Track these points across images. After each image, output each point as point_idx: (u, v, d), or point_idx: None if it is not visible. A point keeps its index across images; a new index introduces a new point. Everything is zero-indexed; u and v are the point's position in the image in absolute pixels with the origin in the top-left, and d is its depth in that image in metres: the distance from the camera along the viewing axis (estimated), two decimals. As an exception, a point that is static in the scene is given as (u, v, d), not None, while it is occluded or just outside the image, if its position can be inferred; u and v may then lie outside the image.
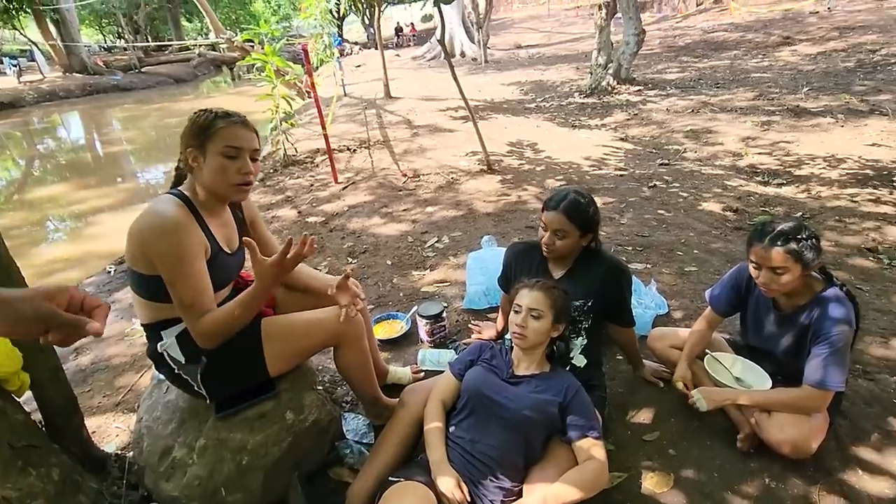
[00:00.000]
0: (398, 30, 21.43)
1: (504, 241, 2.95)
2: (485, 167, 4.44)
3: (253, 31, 6.02)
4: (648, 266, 2.76)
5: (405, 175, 4.43)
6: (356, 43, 23.26)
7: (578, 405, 1.44)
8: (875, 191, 3.80)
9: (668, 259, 2.83)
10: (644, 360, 1.98)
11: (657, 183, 4.14)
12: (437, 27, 15.00)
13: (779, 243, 1.48)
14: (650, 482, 1.56)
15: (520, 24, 20.53)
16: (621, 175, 4.37)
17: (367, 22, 23.70)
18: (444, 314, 2.19)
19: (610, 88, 7.77)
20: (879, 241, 3.02)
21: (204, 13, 9.97)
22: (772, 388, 1.68)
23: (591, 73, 8.12)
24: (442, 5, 4.05)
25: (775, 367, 1.73)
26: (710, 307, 1.83)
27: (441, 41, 4.02)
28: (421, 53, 15.69)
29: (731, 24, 14.14)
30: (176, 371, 1.35)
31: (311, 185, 4.59)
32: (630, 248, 2.97)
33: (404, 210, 3.72)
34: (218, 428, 1.35)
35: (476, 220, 3.41)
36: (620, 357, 2.06)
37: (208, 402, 1.38)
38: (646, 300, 2.38)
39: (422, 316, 2.15)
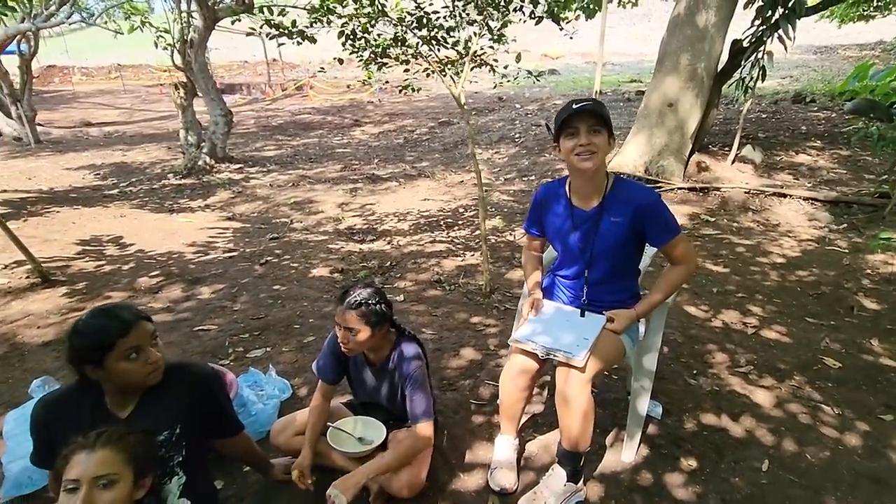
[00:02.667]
0: None
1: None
2: (38, 280, 3.33)
3: None
4: (268, 349, 2.63)
5: None
6: None
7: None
8: (432, 234, 4.98)
9: (287, 335, 2.79)
10: (273, 460, 1.81)
11: (269, 258, 4.13)
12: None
13: (353, 308, 1.61)
14: None
15: (86, 98, 17.51)
16: (231, 256, 4.16)
17: None
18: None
19: (208, 167, 7.49)
20: (441, 274, 3.91)
21: None
22: (387, 432, 1.81)
23: (185, 153, 7.64)
24: None
25: (385, 414, 1.88)
26: (319, 380, 1.83)
27: None
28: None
29: (313, 108, 16.37)
30: None
31: None
32: (247, 336, 2.77)
33: None
34: None
35: (24, 359, 2.44)
36: (247, 469, 1.81)
37: None
38: (267, 389, 2.23)
39: None
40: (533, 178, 6.99)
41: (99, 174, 7.53)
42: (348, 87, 15.94)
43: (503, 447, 1.84)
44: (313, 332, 2.81)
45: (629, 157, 5.68)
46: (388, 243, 4.70)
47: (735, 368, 2.54)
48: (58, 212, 5.27)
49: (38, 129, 10.39)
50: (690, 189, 5.40)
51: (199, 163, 7.43)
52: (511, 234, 4.85)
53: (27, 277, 3.38)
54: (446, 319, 3.08)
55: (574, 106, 1.59)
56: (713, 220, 4.86)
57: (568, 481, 1.68)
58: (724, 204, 5.16)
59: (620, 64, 19.09)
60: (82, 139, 10.95)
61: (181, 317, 2.99)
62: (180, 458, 1.37)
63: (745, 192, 5.22)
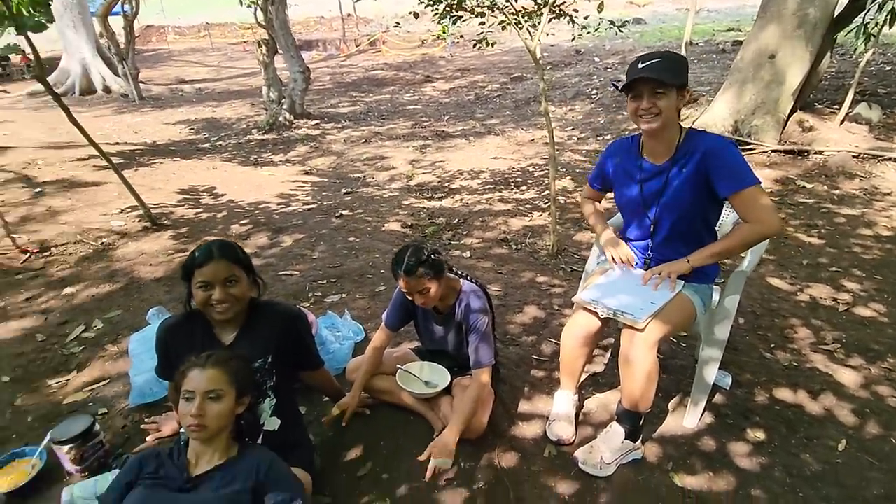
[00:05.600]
0: (2, 60, 16.24)
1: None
2: (148, 224, 3.76)
3: None
4: (343, 295, 2.83)
5: (25, 251, 3.32)
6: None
7: (275, 479, 1.30)
8: (500, 193, 4.97)
9: (360, 284, 2.97)
10: (347, 393, 1.99)
11: (344, 212, 4.35)
12: (63, 56, 12.17)
13: (412, 273, 1.68)
14: (369, 517, 1.55)
15: (180, 56, 18.72)
16: (310, 209, 4.42)
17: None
18: (98, 426, 1.69)
19: (288, 123, 7.85)
20: (507, 232, 3.93)
21: None
22: (452, 378, 1.93)
23: (266, 109, 8.04)
24: (40, 31, 3.22)
25: (451, 361, 2.00)
26: (382, 325, 1.97)
27: (41, 78, 3.18)
28: (43, 89, 12.35)
29: (385, 63, 16.39)
30: None
31: None
32: (324, 282, 2.99)
33: (27, 299, 2.77)
34: None
35: (141, 291, 2.82)
36: (326, 399, 2.01)
37: None
38: (343, 331, 2.42)
39: (59, 442, 1.60)
40: (609, 136, 6.67)
41: (193, 129, 8.16)
42: (422, 42, 15.75)
43: (562, 401, 1.90)
44: (384, 283, 2.97)
45: (717, 115, 5.23)
46: (457, 200, 4.76)
47: (819, 346, 2.39)
48: (161, 163, 5.83)
49: (141, 86, 11.33)
50: (786, 151, 4.91)
51: (280, 119, 7.81)
52: (580, 196, 4.73)
53: (139, 221, 3.83)
54: (511, 277, 3.13)
55: (640, 66, 1.57)
56: (810, 186, 4.42)
57: (626, 439, 1.71)
58: (825, 168, 4.66)
59: (717, 10, 17.18)
60: (177, 95, 11.82)
61: (267, 262, 3.28)
62: (272, 384, 1.57)
63: (854, 157, 4.67)
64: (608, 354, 2.34)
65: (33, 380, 2.13)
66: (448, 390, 1.93)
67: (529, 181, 5.31)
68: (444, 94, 11.48)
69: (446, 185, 5.33)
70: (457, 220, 4.22)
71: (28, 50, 3.24)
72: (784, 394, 2.08)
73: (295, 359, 1.64)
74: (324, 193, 4.98)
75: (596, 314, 1.69)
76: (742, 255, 1.88)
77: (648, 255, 1.79)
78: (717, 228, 1.83)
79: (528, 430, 1.93)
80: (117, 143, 6.91)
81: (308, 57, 14.14)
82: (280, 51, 7.82)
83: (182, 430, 1.65)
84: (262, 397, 1.55)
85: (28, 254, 3.26)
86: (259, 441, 1.50)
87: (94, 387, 2.07)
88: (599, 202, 2.11)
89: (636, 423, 1.71)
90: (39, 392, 2.06)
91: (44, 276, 3.02)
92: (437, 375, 1.97)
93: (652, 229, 1.77)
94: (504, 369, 2.19)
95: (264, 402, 1.56)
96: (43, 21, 3.07)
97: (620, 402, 1.72)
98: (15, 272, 3.07)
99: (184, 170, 5.58)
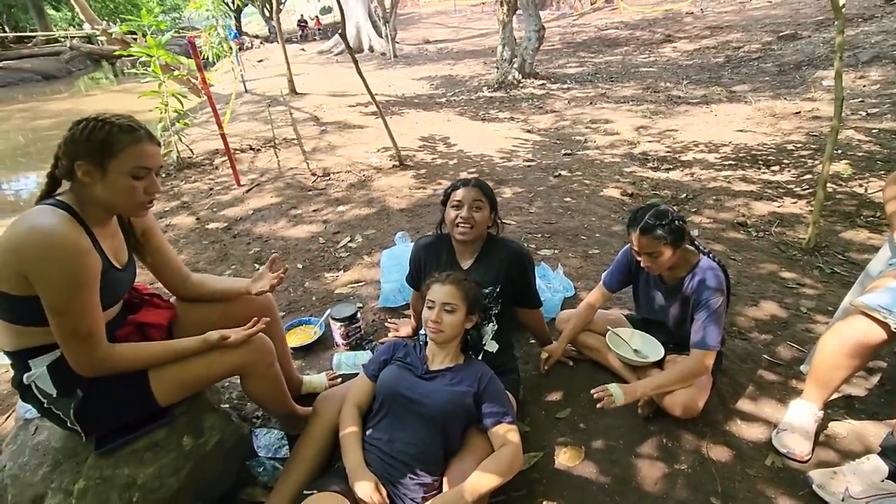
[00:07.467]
0: (302, 23, 20.55)
1: (418, 237, 2.94)
2: (397, 163, 4.41)
3: (133, 22, 5.44)
4: (556, 251, 2.89)
5: (314, 174, 4.27)
6: (256, 36, 22.05)
7: (492, 393, 1.47)
8: (744, 171, 4.30)
9: (574, 244, 2.99)
10: (555, 341, 2.07)
11: (562, 172, 4.35)
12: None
13: (648, 232, 1.60)
14: (564, 457, 1.63)
15: (427, 19, 20.63)
16: (529, 166, 4.55)
17: (266, 14, 22.53)
18: (359, 315, 2.14)
19: (516, 82, 8.05)
20: (747, 216, 3.41)
21: (73, 1, 8.80)
22: (665, 354, 1.83)
23: (498, 68, 8.37)
24: (342, -3, 3.95)
25: (667, 336, 1.89)
26: (600, 284, 1.96)
27: (343, 35, 3.92)
28: (328, 48, 15.21)
29: (621, 22, 15.23)
30: (46, 405, 1.20)
31: (211, 188, 4.27)
32: (539, 236, 3.09)
33: (314, 210, 3.58)
34: (101, 465, 1.21)
35: (390, 217, 3.37)
36: (533, 341, 2.14)
37: (84, 438, 1.23)
38: (555, 284, 2.49)
39: (335, 319, 2.08)
40: (920, 115, 5.09)
41: (433, 84, 9.04)
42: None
43: (801, 412, 1.64)
44: (598, 247, 2.93)
45: None
46: (687, 174, 4.31)
47: None
48: (407, 113, 6.67)
49: (395, 46, 12.94)
50: None
51: (509, 77, 8.05)
52: (860, 185, 3.78)
53: (390, 160, 4.53)
54: (747, 266, 2.74)
55: None
56: None
57: (889, 479, 1.40)
58: None
59: None
60: (422, 54, 13.17)
61: (488, 210, 3.54)
62: (496, 311, 1.74)
63: None
64: (875, 379, 1.91)
65: (316, 270, 2.79)
66: (659, 365, 1.85)
67: (785, 161, 4.47)
68: (685, 56, 10.21)
69: (676, 156, 4.85)
70: (685, 194, 3.84)
71: (336, 11, 3.99)
72: None
73: (517, 294, 1.78)
74: (543, 152, 5.04)
75: (885, 325, 1.38)
76: None
77: None
78: None
79: (746, 430, 1.74)
80: (376, 95, 8.14)
81: (541, 16, 14.05)
82: (520, 9, 7.95)
83: (421, 332, 1.98)
84: (486, 321, 1.74)
85: (315, 177, 4.20)
86: (479, 358, 1.70)
87: (354, 285, 2.61)
88: None
89: (910, 464, 1.38)
90: (319, 280, 2.69)
91: (325, 194, 3.86)
92: (648, 347, 1.90)
93: None
94: (726, 360, 1.98)
95: (487, 325, 1.74)
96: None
97: (893, 434, 1.40)
98: (307, 189, 4.00)
99: (424, 120, 6.29)
